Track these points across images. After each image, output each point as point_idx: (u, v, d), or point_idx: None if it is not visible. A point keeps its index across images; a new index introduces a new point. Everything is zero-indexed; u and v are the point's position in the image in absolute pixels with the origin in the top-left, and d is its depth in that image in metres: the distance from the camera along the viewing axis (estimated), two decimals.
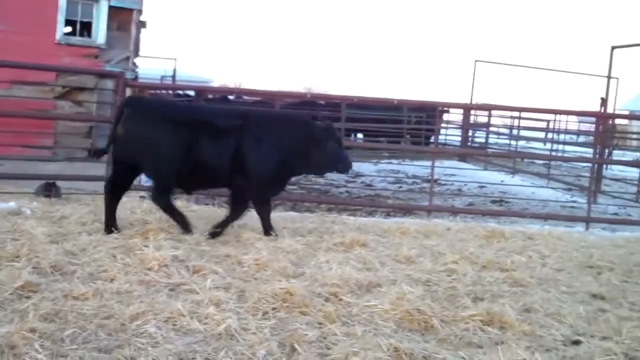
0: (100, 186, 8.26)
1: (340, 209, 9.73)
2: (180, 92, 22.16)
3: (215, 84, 65.73)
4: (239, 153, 7.34)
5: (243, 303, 5.17)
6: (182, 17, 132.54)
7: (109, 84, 13.11)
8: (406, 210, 10.84)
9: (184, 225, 7.31)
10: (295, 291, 5.29)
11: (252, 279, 5.86)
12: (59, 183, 9.43)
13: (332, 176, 8.32)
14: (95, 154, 7.67)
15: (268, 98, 19.85)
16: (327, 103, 23.55)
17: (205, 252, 6.60)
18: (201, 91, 17.02)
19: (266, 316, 4.97)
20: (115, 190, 7.41)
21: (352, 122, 20.35)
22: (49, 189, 9.22)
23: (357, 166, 14.58)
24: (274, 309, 5.11)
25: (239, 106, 18.81)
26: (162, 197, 7.37)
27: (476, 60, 23.44)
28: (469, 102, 22.27)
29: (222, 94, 25.36)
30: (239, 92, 32.28)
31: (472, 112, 26.35)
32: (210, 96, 22.16)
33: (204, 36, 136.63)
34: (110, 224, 7.23)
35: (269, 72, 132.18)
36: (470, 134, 26.35)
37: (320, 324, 4.88)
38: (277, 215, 8.61)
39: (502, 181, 16.97)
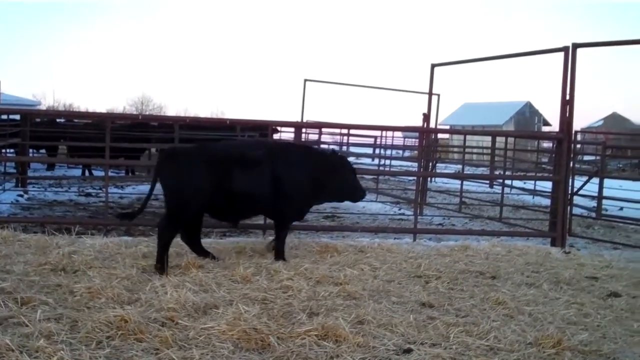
0: None
1: None
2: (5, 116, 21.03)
3: (44, 106, 63.53)
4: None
5: (76, 333, 5.01)
6: (5, 38, 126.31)
7: None
8: (241, 230, 10.88)
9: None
10: (130, 318, 5.18)
11: (84, 308, 5.68)
12: None
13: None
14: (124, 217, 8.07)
15: (99, 120, 19.36)
16: (160, 124, 23.21)
17: (35, 283, 6.35)
18: (28, 114, 16.26)
19: (100, 345, 4.84)
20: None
21: (186, 143, 20.11)
22: None
23: None
24: (108, 337, 4.98)
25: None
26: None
27: (305, 80, 23.81)
28: (300, 120, 22.61)
29: (51, 116, 24.31)
30: (69, 115, 31.21)
31: (304, 130, 26.81)
32: (38, 119, 21.20)
33: (30, 57, 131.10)
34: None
35: (100, 90, 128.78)
36: None
37: (157, 350, 4.82)
38: (109, 241, 8.42)
39: None
